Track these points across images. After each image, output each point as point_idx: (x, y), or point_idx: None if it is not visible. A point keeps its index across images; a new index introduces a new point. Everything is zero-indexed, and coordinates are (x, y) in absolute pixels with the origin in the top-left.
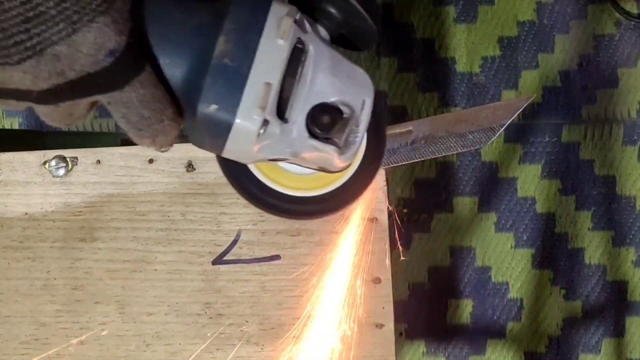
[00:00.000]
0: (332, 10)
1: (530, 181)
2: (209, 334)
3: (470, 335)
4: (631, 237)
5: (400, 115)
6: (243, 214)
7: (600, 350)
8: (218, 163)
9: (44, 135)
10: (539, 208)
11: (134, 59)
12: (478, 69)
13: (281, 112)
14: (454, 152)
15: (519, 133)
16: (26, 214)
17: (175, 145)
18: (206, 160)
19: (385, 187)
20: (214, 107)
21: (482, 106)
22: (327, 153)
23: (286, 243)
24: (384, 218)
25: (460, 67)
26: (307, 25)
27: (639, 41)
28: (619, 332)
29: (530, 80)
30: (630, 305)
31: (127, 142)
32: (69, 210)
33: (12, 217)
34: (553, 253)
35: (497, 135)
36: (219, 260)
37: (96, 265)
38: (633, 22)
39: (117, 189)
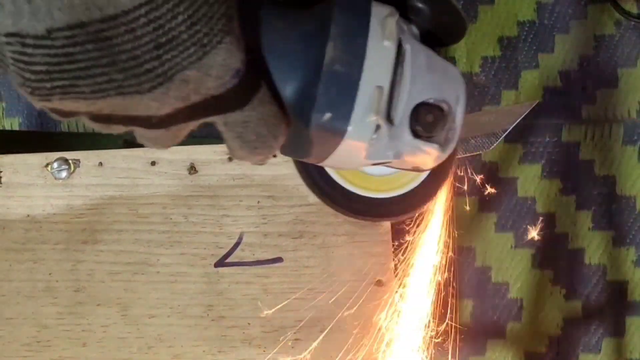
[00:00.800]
0: (424, 7)
1: (530, 181)
2: (211, 336)
3: (470, 335)
4: (631, 237)
5: None
6: (245, 217)
7: (600, 350)
8: (298, 171)
9: (44, 136)
10: (539, 208)
11: (253, 77)
12: (478, 69)
13: (388, 115)
14: (456, 157)
15: (519, 133)
16: (28, 216)
17: (177, 148)
18: (208, 163)
19: None
20: (328, 115)
21: (485, 111)
22: (429, 152)
23: (288, 245)
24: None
25: (460, 67)
26: (403, 25)
27: (639, 41)
28: (619, 332)
29: (530, 80)
30: (630, 305)
31: (128, 144)
32: (71, 212)
33: (14, 219)
34: (553, 253)
35: (499, 140)
36: (221, 263)
37: (98, 267)
38: (633, 22)
39: (119, 191)
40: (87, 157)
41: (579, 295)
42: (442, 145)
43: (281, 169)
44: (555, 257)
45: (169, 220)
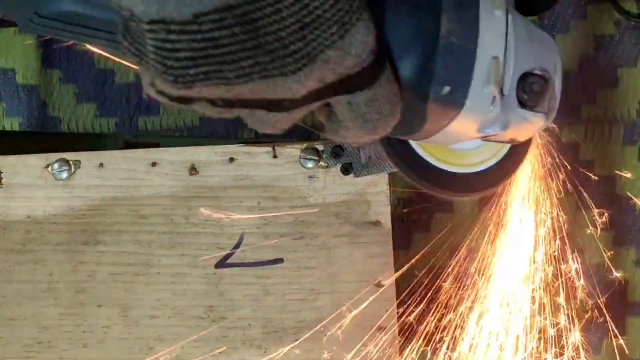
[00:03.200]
0: None
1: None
2: (211, 337)
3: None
4: (631, 237)
5: None
6: (246, 218)
7: (600, 350)
8: (385, 151)
9: (44, 137)
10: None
11: (382, 54)
12: None
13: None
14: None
15: None
16: (29, 217)
17: (179, 149)
18: (209, 164)
19: (388, 191)
20: (447, 89)
21: None
22: (535, 122)
23: (289, 246)
24: (386, 221)
25: None
26: None
27: (639, 41)
28: (619, 332)
29: None
30: (630, 305)
31: (129, 144)
32: (71, 213)
33: (15, 220)
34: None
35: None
36: (222, 264)
37: (99, 268)
38: (633, 22)
39: (120, 192)
40: (88, 158)
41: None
42: (547, 114)
43: (282, 170)
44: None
45: (170, 221)
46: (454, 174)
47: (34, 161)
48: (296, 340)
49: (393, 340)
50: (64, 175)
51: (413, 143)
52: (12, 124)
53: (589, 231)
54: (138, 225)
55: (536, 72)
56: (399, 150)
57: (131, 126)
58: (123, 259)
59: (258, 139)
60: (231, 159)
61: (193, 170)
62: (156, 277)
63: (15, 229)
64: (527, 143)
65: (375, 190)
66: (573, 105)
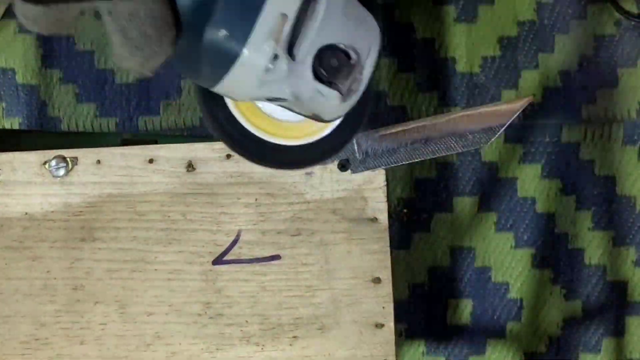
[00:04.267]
0: None
1: (530, 181)
2: (209, 334)
3: (470, 335)
4: (631, 237)
5: (400, 115)
6: (243, 214)
7: (600, 350)
8: (196, 96)
9: (43, 136)
10: (539, 208)
11: None
12: (478, 69)
13: (290, 49)
14: (454, 152)
15: (519, 133)
16: (26, 214)
17: (176, 145)
18: (206, 161)
19: (385, 187)
20: (223, 33)
21: (482, 107)
22: (328, 98)
23: (286, 243)
24: (383, 217)
25: (460, 67)
26: None
27: (639, 41)
28: (619, 332)
29: (530, 80)
30: (630, 305)
31: (127, 142)
32: (69, 210)
33: (12, 217)
34: (553, 253)
35: (497, 135)
36: (219, 261)
37: (96, 265)
38: (633, 22)
39: (117, 189)
40: (85, 155)
41: (579, 295)
42: (344, 95)
43: None
44: (555, 257)
45: (167, 218)
46: (267, 142)
47: (31, 158)
48: (293, 337)
49: (390, 336)
50: (61, 172)
51: (231, 106)
52: (12, 123)
53: (588, 231)
54: (135, 222)
55: (340, 47)
56: (216, 114)
57: (131, 126)
58: (120, 256)
59: None
60: (228, 156)
61: (190, 167)
62: (153, 274)
63: (13, 226)
64: (355, 124)
65: (373, 186)
66: (573, 105)
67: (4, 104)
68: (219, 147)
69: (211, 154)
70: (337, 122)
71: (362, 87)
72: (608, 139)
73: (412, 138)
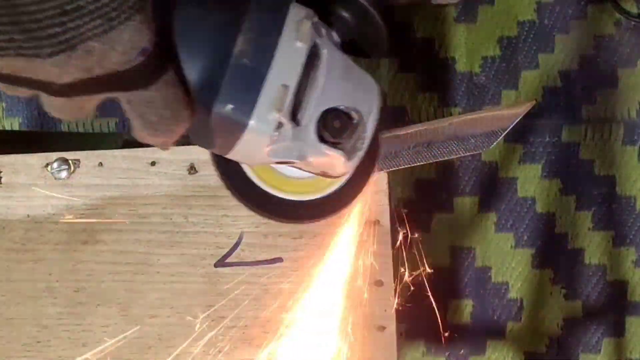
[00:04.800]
0: (346, 15)
1: (530, 181)
2: (211, 337)
3: (470, 335)
4: (631, 237)
5: (400, 116)
6: (245, 217)
7: (600, 350)
8: (213, 163)
9: (44, 136)
10: (539, 208)
11: (161, 58)
12: (478, 69)
13: (294, 115)
14: (456, 156)
15: (519, 133)
16: (28, 216)
17: (177, 148)
18: (208, 163)
19: (387, 190)
20: (230, 107)
21: (485, 111)
22: (334, 158)
23: (288, 246)
24: (386, 220)
25: (460, 67)
26: (322, 29)
27: (639, 41)
28: (619, 332)
29: (530, 80)
30: (630, 305)
31: (129, 143)
32: (71, 212)
33: (15, 219)
34: (553, 253)
35: (498, 139)
36: (221, 263)
37: (98, 267)
38: (633, 22)
39: (119, 192)
40: (87, 158)
41: (579, 295)
42: (348, 154)
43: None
44: (555, 257)
45: (169, 221)
46: (280, 199)
47: (34, 160)
48: (295, 339)
49: (392, 339)
50: (64, 174)
51: (247, 169)
52: (12, 123)
53: (588, 231)
54: (137, 224)
55: (341, 109)
56: (230, 175)
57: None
58: (122, 258)
59: None
60: None
61: (192, 169)
62: (155, 276)
63: (15, 228)
64: (362, 181)
65: (375, 189)
66: (573, 105)
67: (4, 104)
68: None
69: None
70: (346, 177)
71: (366, 145)
72: (608, 139)
73: (414, 142)
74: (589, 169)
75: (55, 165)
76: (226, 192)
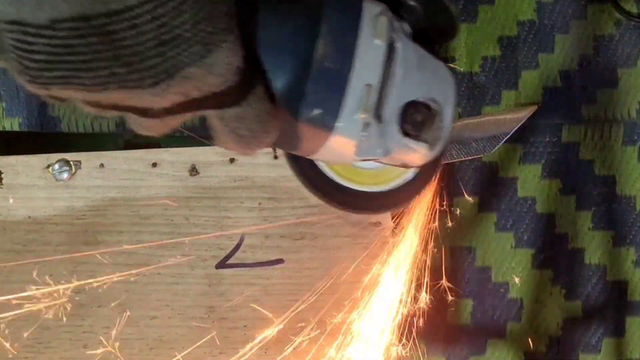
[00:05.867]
0: (415, 5)
1: (530, 181)
2: (212, 338)
3: (470, 335)
4: (631, 237)
5: None
6: (246, 218)
7: (600, 350)
8: (287, 160)
9: (44, 137)
10: (539, 208)
11: (250, 73)
12: (478, 69)
13: (377, 112)
14: (458, 160)
15: (519, 133)
16: (29, 217)
17: (178, 149)
18: (209, 164)
19: None
20: (316, 111)
21: (486, 115)
22: (418, 150)
23: (289, 247)
24: (387, 222)
25: (460, 67)
26: (395, 22)
27: (639, 41)
28: (619, 332)
29: (530, 80)
30: (630, 305)
31: (130, 145)
32: (72, 213)
33: (16, 220)
34: (553, 253)
35: (500, 144)
36: (222, 264)
37: (99, 268)
38: (633, 22)
39: (121, 193)
40: (89, 159)
41: (579, 295)
42: (431, 144)
43: (282, 170)
44: (555, 257)
45: (171, 222)
46: (359, 191)
47: (35, 161)
48: (296, 341)
49: (393, 339)
50: (65, 175)
51: (320, 163)
52: (12, 123)
53: (588, 231)
54: (138, 225)
55: (421, 101)
56: (304, 168)
57: None
58: (123, 260)
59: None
60: (232, 160)
61: (193, 170)
62: (156, 278)
63: (16, 229)
64: (434, 168)
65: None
66: (573, 105)
67: (4, 104)
68: (222, 151)
69: (214, 158)
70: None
71: (445, 133)
72: (608, 139)
73: None
74: (589, 169)
75: (56, 166)
76: (228, 194)
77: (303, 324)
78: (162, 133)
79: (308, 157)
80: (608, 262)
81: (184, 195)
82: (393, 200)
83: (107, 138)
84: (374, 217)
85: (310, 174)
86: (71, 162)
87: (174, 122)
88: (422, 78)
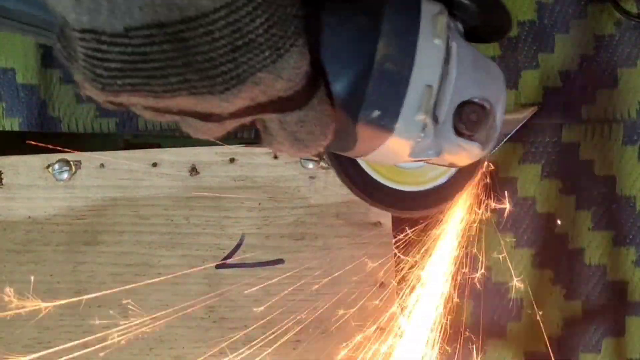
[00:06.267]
0: (468, 3)
1: (530, 181)
2: (212, 338)
3: (470, 335)
4: (631, 237)
5: None
6: (247, 218)
7: (600, 350)
8: (329, 160)
9: (43, 137)
10: (539, 208)
11: (315, 77)
12: None
13: (434, 113)
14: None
15: (519, 133)
16: (29, 217)
17: (179, 149)
18: (210, 164)
19: None
20: (376, 113)
21: None
22: (470, 150)
23: (290, 247)
24: (387, 222)
25: None
26: (450, 21)
27: (639, 41)
28: (619, 332)
29: (530, 80)
30: (630, 305)
31: (130, 145)
32: (72, 213)
33: (16, 220)
34: (553, 253)
35: (500, 144)
36: (222, 264)
37: (99, 268)
38: (633, 22)
39: (121, 193)
40: (89, 159)
41: (579, 295)
42: (483, 144)
43: (282, 170)
44: (555, 257)
45: (171, 222)
46: (401, 191)
47: (35, 161)
48: (297, 341)
49: (393, 340)
50: (65, 175)
51: (362, 162)
52: (12, 123)
53: (588, 231)
54: (139, 225)
55: (475, 101)
56: (346, 167)
57: (131, 126)
58: (123, 260)
59: (258, 140)
60: (232, 160)
61: (194, 170)
62: (157, 278)
63: (16, 229)
64: (475, 168)
65: None
66: (573, 105)
67: (4, 104)
68: (223, 151)
69: (215, 158)
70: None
71: (497, 133)
72: (608, 139)
73: None
74: (589, 169)
75: (56, 166)
76: (228, 194)
77: (303, 324)
78: (218, 136)
79: (356, 157)
80: (608, 262)
81: (184, 195)
82: (433, 200)
83: (107, 138)
84: (374, 217)
85: (352, 173)
86: (71, 162)
87: (232, 126)
88: (476, 77)
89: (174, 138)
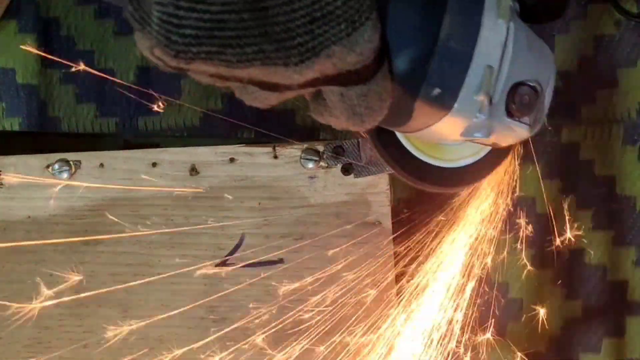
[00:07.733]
0: None
1: (530, 181)
2: (212, 338)
3: (470, 335)
4: (631, 237)
5: None
6: (247, 218)
7: (600, 350)
8: (370, 136)
9: (44, 136)
10: (539, 208)
11: (383, 52)
12: None
13: (491, 94)
14: None
15: None
16: (29, 217)
17: (179, 149)
18: (209, 164)
19: (388, 191)
20: (437, 91)
21: None
22: (518, 132)
23: (290, 247)
24: (387, 222)
25: None
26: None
27: (639, 41)
28: (619, 332)
29: None
30: (630, 305)
31: (130, 144)
32: (72, 213)
33: (16, 220)
34: (553, 253)
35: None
36: (222, 264)
37: (99, 268)
38: (633, 22)
39: (121, 193)
40: (88, 159)
41: (579, 295)
42: (531, 126)
43: (282, 170)
44: (555, 257)
45: (171, 222)
46: (437, 167)
47: (35, 161)
48: (297, 341)
49: (392, 340)
50: (65, 175)
51: (400, 135)
52: (12, 124)
53: (588, 231)
54: (138, 225)
55: (529, 83)
56: (385, 141)
57: (131, 126)
58: (123, 259)
59: (258, 140)
60: (232, 160)
61: (193, 170)
62: (156, 277)
63: (16, 229)
64: (508, 149)
65: (376, 190)
66: (573, 105)
67: (4, 104)
68: (222, 151)
69: (214, 158)
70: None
71: (544, 116)
72: (608, 139)
73: None
74: (589, 169)
75: (56, 166)
76: (228, 193)
77: (303, 324)
78: (273, 105)
79: (409, 134)
80: (608, 262)
81: (184, 195)
82: (467, 177)
83: (107, 138)
84: (374, 217)
85: (390, 147)
86: (71, 162)
87: (291, 95)
88: (529, 59)
89: (174, 138)
